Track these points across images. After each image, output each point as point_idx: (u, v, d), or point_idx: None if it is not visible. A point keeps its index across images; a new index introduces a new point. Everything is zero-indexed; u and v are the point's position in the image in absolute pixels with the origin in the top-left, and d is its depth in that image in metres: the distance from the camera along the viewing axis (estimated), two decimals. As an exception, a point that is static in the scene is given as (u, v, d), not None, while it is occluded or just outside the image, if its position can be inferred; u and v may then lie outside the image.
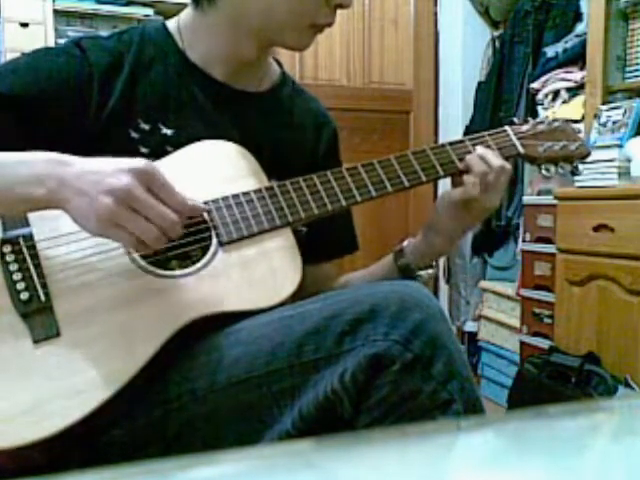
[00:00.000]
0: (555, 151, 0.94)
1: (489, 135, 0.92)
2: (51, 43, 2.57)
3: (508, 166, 0.88)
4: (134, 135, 0.84)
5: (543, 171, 0.96)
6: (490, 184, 0.86)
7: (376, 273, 0.97)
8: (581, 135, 0.99)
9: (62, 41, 2.69)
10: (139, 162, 0.70)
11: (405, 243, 0.94)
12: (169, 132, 0.86)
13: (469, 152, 0.89)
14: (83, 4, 2.67)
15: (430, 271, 0.93)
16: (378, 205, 3.18)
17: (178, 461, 0.30)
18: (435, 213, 0.91)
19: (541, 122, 0.97)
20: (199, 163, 0.84)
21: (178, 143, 0.85)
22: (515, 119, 0.99)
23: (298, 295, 0.79)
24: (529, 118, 0.99)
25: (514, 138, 0.93)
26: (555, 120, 0.98)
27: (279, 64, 1.02)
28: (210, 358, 0.72)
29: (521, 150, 0.93)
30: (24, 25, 2.55)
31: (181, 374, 0.72)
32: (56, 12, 2.60)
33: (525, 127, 0.95)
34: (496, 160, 0.87)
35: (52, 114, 0.82)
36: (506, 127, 0.95)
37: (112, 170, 0.68)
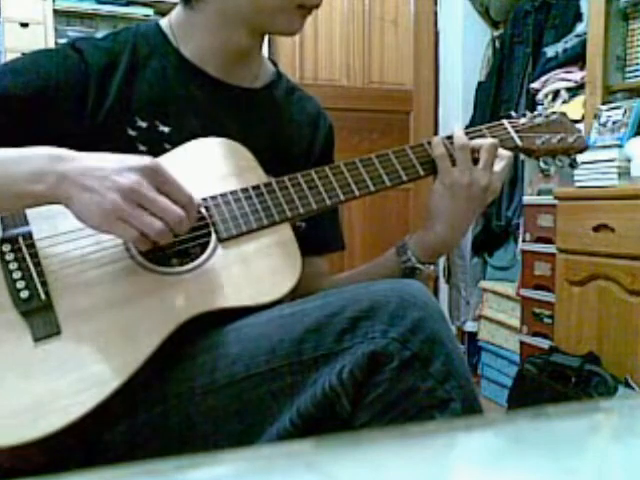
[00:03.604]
0: (553, 144, 0.94)
1: (487, 128, 0.92)
2: (51, 43, 2.57)
3: (494, 141, 0.87)
4: (132, 133, 0.85)
5: (541, 164, 0.96)
6: (479, 161, 0.86)
7: (377, 267, 0.96)
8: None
9: (62, 41, 2.69)
10: (145, 160, 0.70)
11: (407, 236, 0.93)
12: (167, 130, 0.86)
13: None
14: (83, 4, 2.68)
15: (431, 267, 0.91)
16: (378, 204, 3.19)
17: (178, 461, 0.30)
18: (429, 196, 0.90)
19: (538, 115, 0.97)
20: (197, 160, 0.84)
21: (176, 140, 0.85)
22: (513, 113, 0.99)
23: (296, 290, 0.80)
24: (526, 111, 0.99)
25: (512, 131, 0.93)
26: (553, 113, 0.98)
27: (274, 63, 1.03)
28: (210, 356, 0.72)
29: (519, 143, 0.93)
30: (24, 25, 2.55)
31: (181, 372, 0.72)
32: (56, 12, 2.61)
33: (522, 120, 0.96)
34: (473, 140, 0.87)
35: (49, 114, 0.82)
36: (503, 120, 0.95)
37: (118, 167, 0.68)
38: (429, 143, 0.89)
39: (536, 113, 0.98)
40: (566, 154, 0.96)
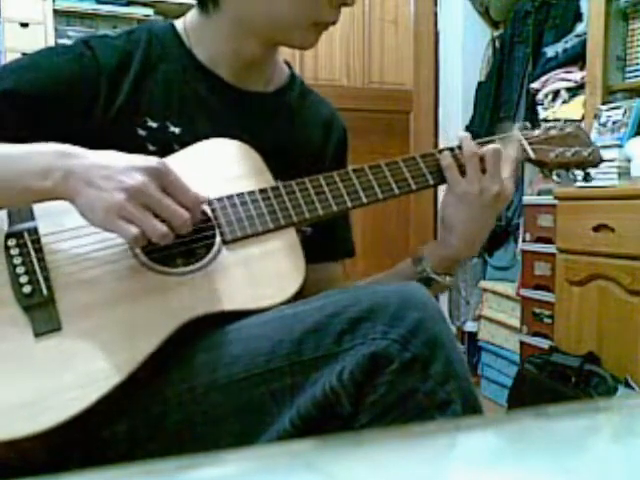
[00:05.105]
0: (567, 157, 0.93)
1: (499, 139, 0.91)
2: (51, 43, 2.57)
3: (496, 147, 0.86)
4: (141, 133, 0.85)
5: (554, 177, 0.94)
6: (486, 169, 0.85)
7: (393, 275, 0.95)
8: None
9: (62, 41, 2.68)
10: (152, 160, 0.70)
11: (424, 246, 0.92)
12: (177, 130, 0.86)
13: None
14: (83, 4, 2.68)
15: (448, 278, 0.90)
16: (379, 210, 3.18)
17: (178, 461, 0.30)
18: (441, 208, 0.90)
19: (553, 127, 0.95)
20: (205, 161, 0.84)
21: (185, 141, 0.85)
22: (527, 123, 0.97)
23: (301, 295, 0.79)
24: (542, 123, 0.98)
25: (525, 143, 0.92)
26: (568, 125, 0.96)
27: (289, 66, 1.02)
28: (210, 356, 0.72)
29: (532, 155, 0.92)
30: (24, 25, 2.55)
31: (181, 372, 0.72)
32: (56, 12, 2.61)
33: (536, 132, 0.94)
34: (479, 147, 0.86)
35: (59, 111, 0.82)
36: (516, 131, 0.94)
37: (125, 167, 0.69)
38: (440, 152, 0.88)
39: (551, 125, 0.96)
40: (580, 168, 0.95)
